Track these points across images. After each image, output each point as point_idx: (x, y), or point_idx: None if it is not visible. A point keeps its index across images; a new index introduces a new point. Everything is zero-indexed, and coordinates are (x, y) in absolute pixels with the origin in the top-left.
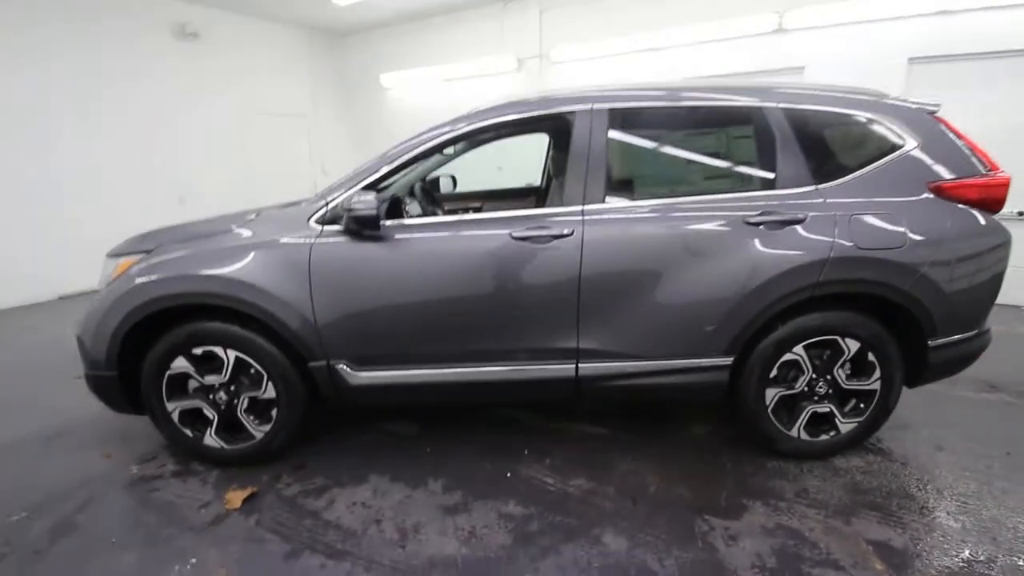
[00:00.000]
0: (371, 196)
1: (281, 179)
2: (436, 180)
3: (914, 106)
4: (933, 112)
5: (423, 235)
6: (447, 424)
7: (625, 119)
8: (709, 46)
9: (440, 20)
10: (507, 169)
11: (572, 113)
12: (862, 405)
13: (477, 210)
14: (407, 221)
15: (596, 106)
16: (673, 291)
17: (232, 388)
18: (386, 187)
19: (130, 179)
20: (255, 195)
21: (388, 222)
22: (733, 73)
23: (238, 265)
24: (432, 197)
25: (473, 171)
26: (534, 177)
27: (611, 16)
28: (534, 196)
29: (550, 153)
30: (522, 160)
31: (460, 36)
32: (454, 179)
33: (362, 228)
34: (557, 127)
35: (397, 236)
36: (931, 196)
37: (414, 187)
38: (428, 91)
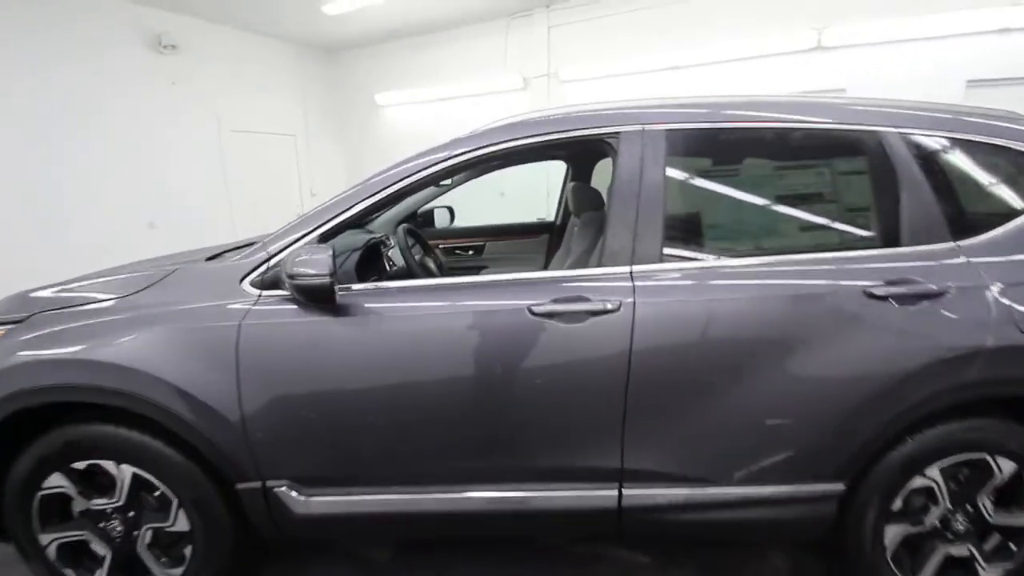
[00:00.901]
0: (323, 255)
1: (266, 203)
2: (430, 213)
3: None
4: None
5: (404, 306)
6: (432, 544)
7: (689, 145)
8: (738, 65)
9: (440, 36)
10: (510, 195)
11: (615, 136)
12: (1012, 545)
13: (479, 250)
14: (384, 285)
15: (649, 126)
16: (762, 391)
17: (130, 515)
18: (365, 224)
19: (92, 201)
20: (236, 220)
21: (357, 286)
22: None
23: (134, 348)
24: (422, 241)
25: (471, 196)
26: (539, 203)
27: (627, 33)
28: (547, 234)
29: (568, 184)
30: (527, 184)
31: (461, 53)
32: (452, 211)
33: (311, 301)
34: (588, 153)
35: (368, 306)
36: None
37: (398, 228)
38: (427, 111)
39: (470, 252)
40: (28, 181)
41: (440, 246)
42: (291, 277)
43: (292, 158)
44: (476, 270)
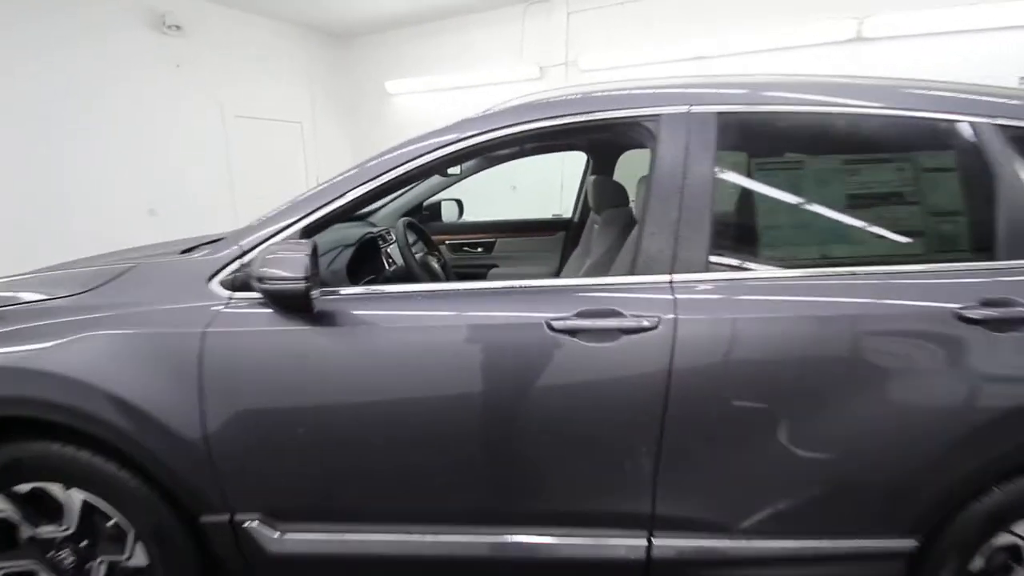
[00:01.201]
0: (299, 254)
1: (270, 191)
2: (437, 206)
3: None
4: None
5: (399, 315)
6: None
7: (745, 132)
8: (770, 55)
9: (453, 22)
10: (521, 189)
11: (654, 119)
12: None
13: (489, 247)
14: (376, 289)
15: (696, 108)
16: (824, 430)
17: (83, 545)
18: (366, 217)
19: (93, 187)
20: (239, 208)
21: (346, 290)
22: None
23: (74, 355)
24: (425, 237)
25: (480, 189)
26: (552, 198)
27: (652, 19)
28: (564, 232)
29: (588, 177)
30: (539, 178)
31: (476, 40)
32: (460, 204)
33: (283, 308)
34: (611, 143)
35: (356, 314)
36: None
37: (398, 222)
38: (439, 100)
39: (479, 249)
40: (29, 166)
41: (447, 242)
42: (260, 279)
43: (298, 146)
44: (485, 269)
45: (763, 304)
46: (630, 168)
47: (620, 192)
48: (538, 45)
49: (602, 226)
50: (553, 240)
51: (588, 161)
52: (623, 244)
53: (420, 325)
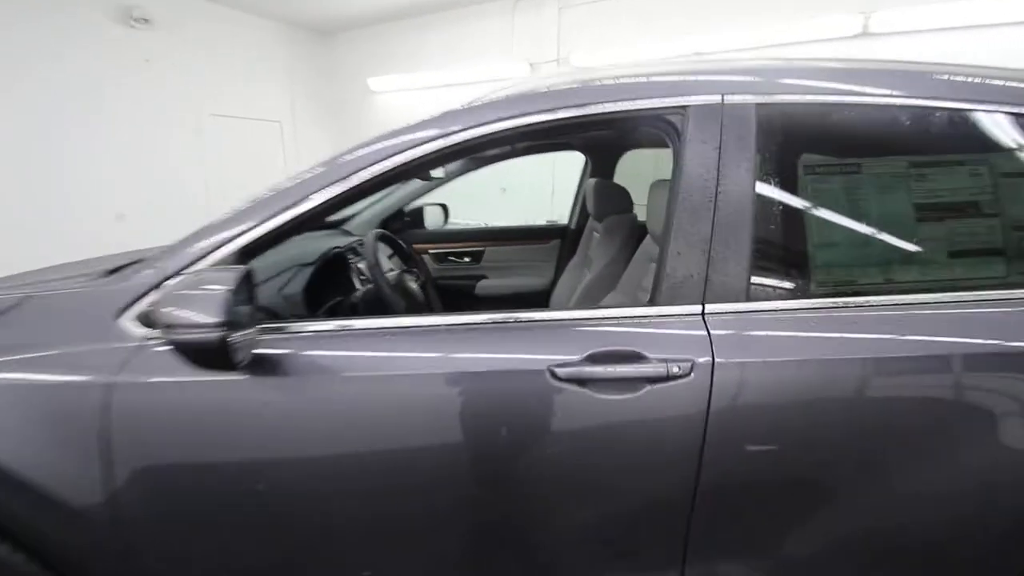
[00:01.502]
0: (216, 290)
1: (247, 194)
2: (419, 212)
3: None
4: None
5: (361, 357)
6: None
7: (790, 128)
8: (770, 52)
9: (440, 17)
10: (511, 193)
11: (679, 111)
12: None
13: (477, 257)
14: (337, 325)
15: (732, 98)
16: (894, 495)
17: None
18: (330, 225)
19: (54, 190)
20: (213, 212)
21: (295, 327)
22: None
23: None
24: (401, 251)
25: (466, 188)
26: (543, 203)
27: (646, 15)
28: (559, 240)
29: (587, 181)
30: (527, 180)
31: (463, 36)
32: (445, 209)
33: (195, 363)
34: (613, 142)
35: (305, 356)
36: None
37: (368, 234)
38: (424, 98)
39: (466, 259)
40: None
41: (430, 251)
42: (168, 326)
43: (277, 146)
44: (473, 280)
45: (822, 342)
46: (627, 173)
47: (623, 197)
48: (528, 41)
49: (603, 235)
50: (547, 249)
51: (586, 162)
52: (628, 255)
53: (386, 374)
